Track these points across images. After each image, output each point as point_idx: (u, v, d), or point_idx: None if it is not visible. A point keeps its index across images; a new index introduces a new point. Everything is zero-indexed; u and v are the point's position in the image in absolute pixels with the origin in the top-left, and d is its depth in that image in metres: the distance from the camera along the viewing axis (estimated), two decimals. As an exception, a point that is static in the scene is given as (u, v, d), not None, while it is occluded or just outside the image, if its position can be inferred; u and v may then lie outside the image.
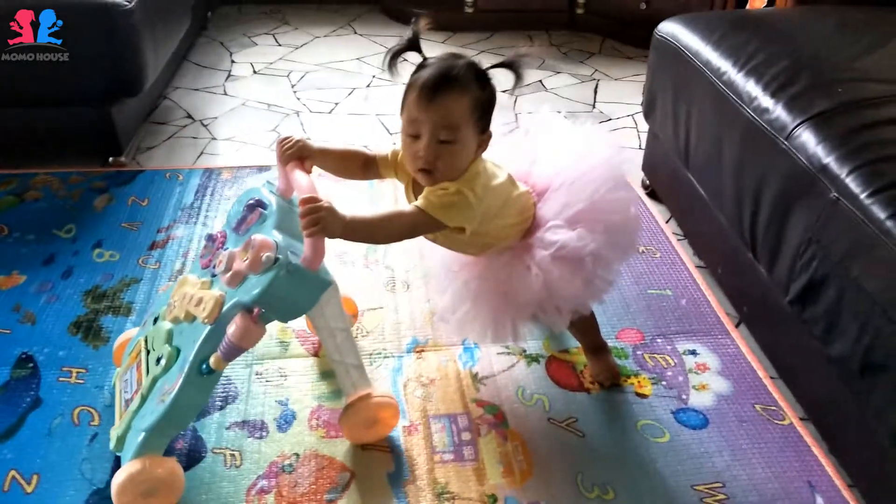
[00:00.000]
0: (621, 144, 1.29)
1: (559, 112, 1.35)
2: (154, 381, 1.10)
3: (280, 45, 2.98)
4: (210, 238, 1.20)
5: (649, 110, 1.91)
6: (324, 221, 0.98)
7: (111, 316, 1.49)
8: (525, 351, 1.44)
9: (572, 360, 1.42)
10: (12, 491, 1.13)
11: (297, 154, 1.13)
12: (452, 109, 1.04)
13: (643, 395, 1.35)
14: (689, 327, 1.51)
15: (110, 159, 2.04)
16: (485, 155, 1.14)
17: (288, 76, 2.70)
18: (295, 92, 2.58)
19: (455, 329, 1.32)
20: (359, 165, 1.21)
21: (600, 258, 1.16)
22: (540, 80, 2.71)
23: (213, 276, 1.12)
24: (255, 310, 1.03)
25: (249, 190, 1.20)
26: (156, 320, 1.19)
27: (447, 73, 1.04)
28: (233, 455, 1.21)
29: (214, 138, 2.25)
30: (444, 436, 1.26)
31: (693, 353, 1.45)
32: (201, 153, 2.16)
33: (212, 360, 1.04)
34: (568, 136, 1.28)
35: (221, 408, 1.29)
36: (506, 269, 1.18)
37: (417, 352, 1.43)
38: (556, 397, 1.34)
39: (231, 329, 1.03)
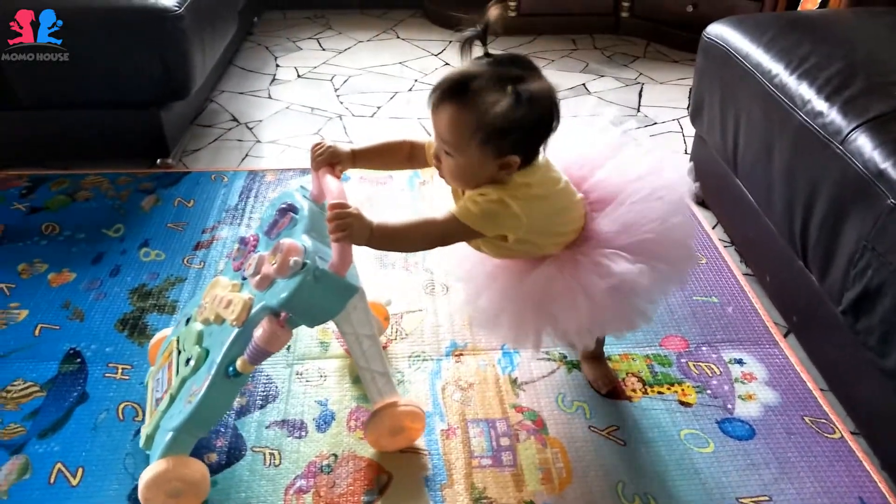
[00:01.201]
0: (688, 169, 1.22)
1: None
2: (183, 381, 1.11)
3: (324, 50, 3.01)
4: (242, 241, 1.20)
5: (696, 114, 1.87)
6: (350, 228, 0.97)
7: (156, 314, 1.52)
8: (565, 357, 1.42)
9: (614, 368, 1.39)
10: (58, 483, 1.16)
11: (328, 160, 1.14)
12: (447, 124, 0.99)
13: (687, 404, 1.32)
14: (735, 336, 1.48)
15: (158, 161, 2.08)
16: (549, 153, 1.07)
17: (331, 80, 2.73)
18: (338, 96, 2.60)
19: (478, 323, 1.33)
20: (404, 155, 1.20)
21: (651, 293, 1.12)
22: (583, 84, 2.69)
23: (244, 278, 1.13)
24: (283, 314, 1.03)
25: (283, 194, 1.20)
26: (188, 321, 1.20)
27: (457, 83, 0.97)
28: (272, 454, 1.22)
29: (259, 141, 2.28)
30: (483, 440, 1.25)
31: (739, 362, 1.41)
32: (246, 156, 2.19)
33: (238, 363, 1.04)
34: (636, 149, 1.20)
35: (262, 407, 1.31)
36: (549, 284, 1.11)
37: (456, 355, 1.43)
38: (598, 405, 1.32)
39: (258, 332, 1.03)
